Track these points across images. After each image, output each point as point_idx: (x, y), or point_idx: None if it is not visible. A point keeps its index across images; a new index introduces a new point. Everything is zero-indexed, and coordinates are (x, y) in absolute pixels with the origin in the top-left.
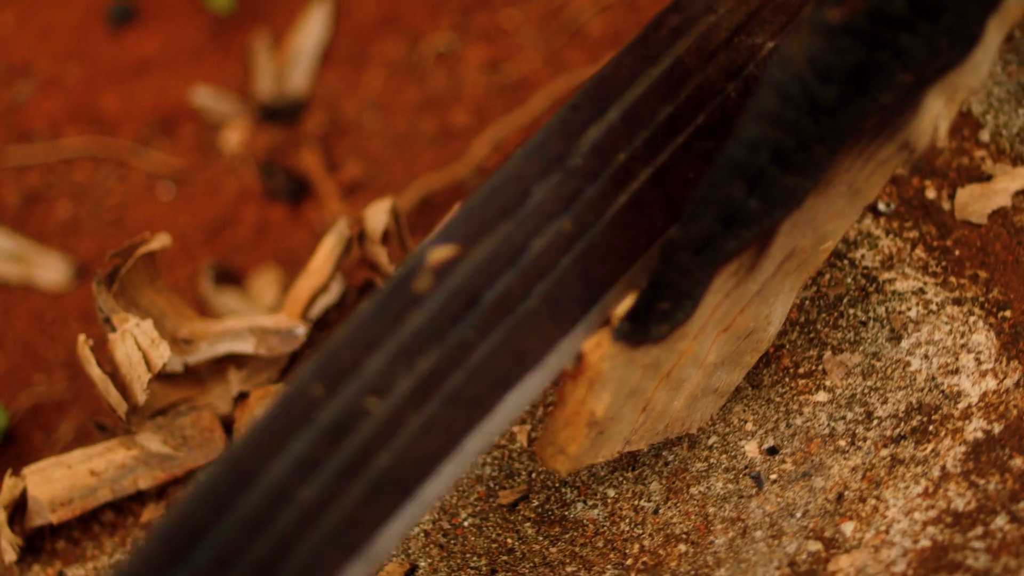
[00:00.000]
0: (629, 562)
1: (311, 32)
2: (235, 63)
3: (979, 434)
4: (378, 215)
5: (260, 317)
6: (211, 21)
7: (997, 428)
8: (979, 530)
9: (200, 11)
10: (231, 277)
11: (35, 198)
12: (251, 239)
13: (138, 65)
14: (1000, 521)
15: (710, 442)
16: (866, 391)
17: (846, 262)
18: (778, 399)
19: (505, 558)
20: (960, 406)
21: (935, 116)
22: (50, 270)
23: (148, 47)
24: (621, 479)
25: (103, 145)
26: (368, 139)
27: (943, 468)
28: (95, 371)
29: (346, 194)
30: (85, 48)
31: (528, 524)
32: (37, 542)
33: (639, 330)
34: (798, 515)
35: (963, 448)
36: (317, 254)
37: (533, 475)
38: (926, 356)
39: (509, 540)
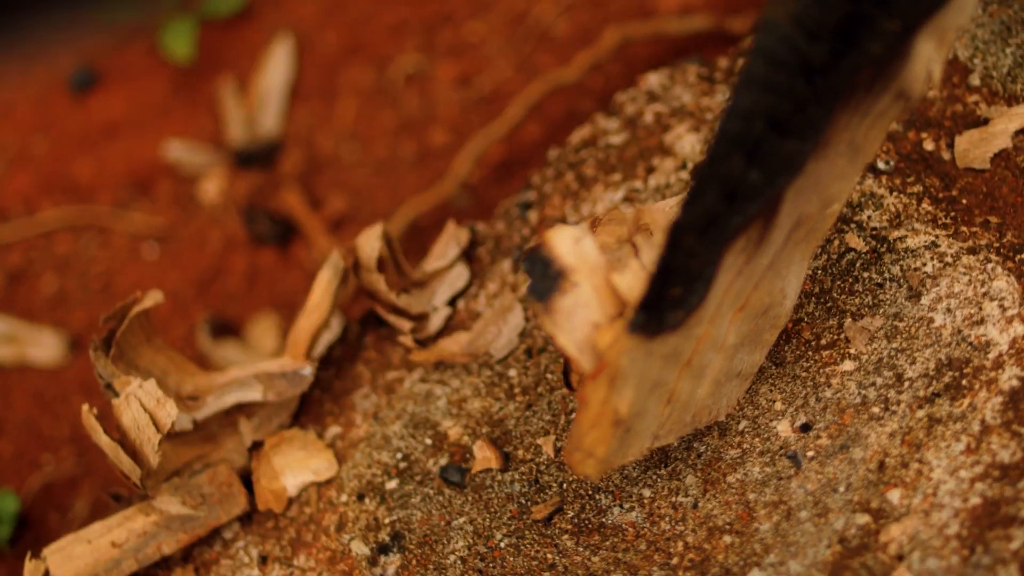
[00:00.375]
0: (675, 561)
1: (276, 72)
2: (203, 113)
3: (1014, 382)
4: (370, 242)
5: (264, 363)
6: (174, 74)
7: None
8: None
9: (162, 66)
10: (228, 328)
11: (19, 276)
12: (243, 287)
13: (106, 128)
14: None
15: (741, 427)
16: (892, 354)
17: (853, 225)
18: (804, 374)
19: (547, 574)
20: (991, 356)
21: (927, 60)
22: (44, 347)
23: (114, 109)
24: (655, 477)
25: (81, 214)
26: (348, 171)
27: (982, 421)
28: (103, 440)
29: (333, 229)
30: (50, 118)
31: (566, 536)
32: None
33: (654, 319)
34: (841, 489)
35: (1000, 399)
36: (314, 290)
37: (564, 486)
38: (948, 310)
39: (549, 555)
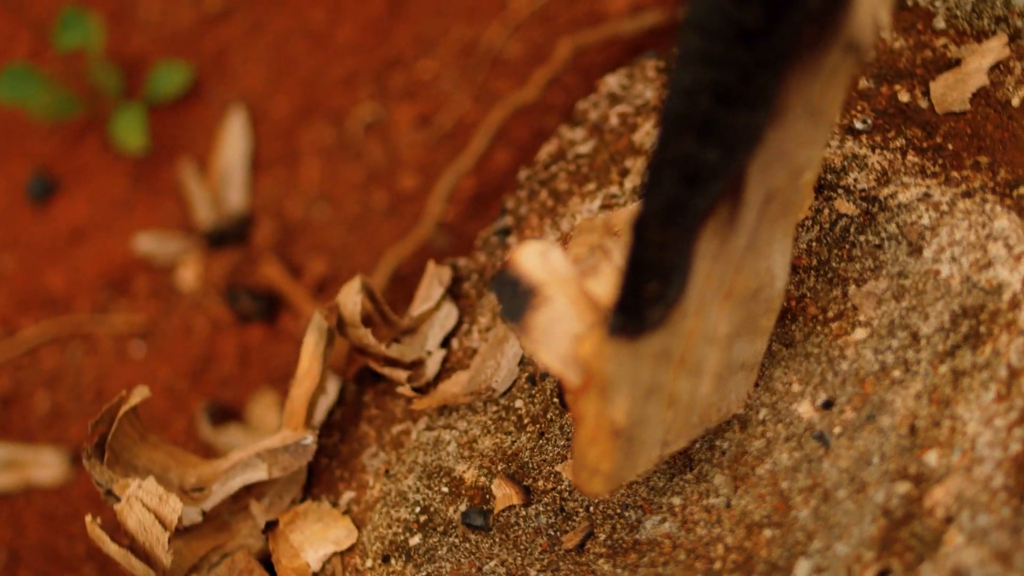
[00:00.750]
0: (717, 565)
1: (233, 146)
2: (168, 200)
3: None
4: (351, 297)
5: (264, 440)
6: (131, 166)
7: None
8: None
9: (118, 161)
10: (228, 413)
11: (11, 398)
12: (237, 369)
13: (72, 234)
14: None
15: (761, 416)
16: (904, 313)
17: (841, 191)
18: (816, 350)
19: None
20: (1005, 297)
21: (871, 6)
22: (46, 466)
23: (77, 212)
24: (682, 483)
25: (62, 325)
26: (323, 232)
27: (1009, 366)
28: (112, 549)
29: (317, 294)
30: (14, 233)
31: (602, 560)
32: None
33: (633, 320)
34: (875, 461)
35: (1022, 339)
36: (302, 357)
37: (591, 509)
38: (953, 259)
39: None
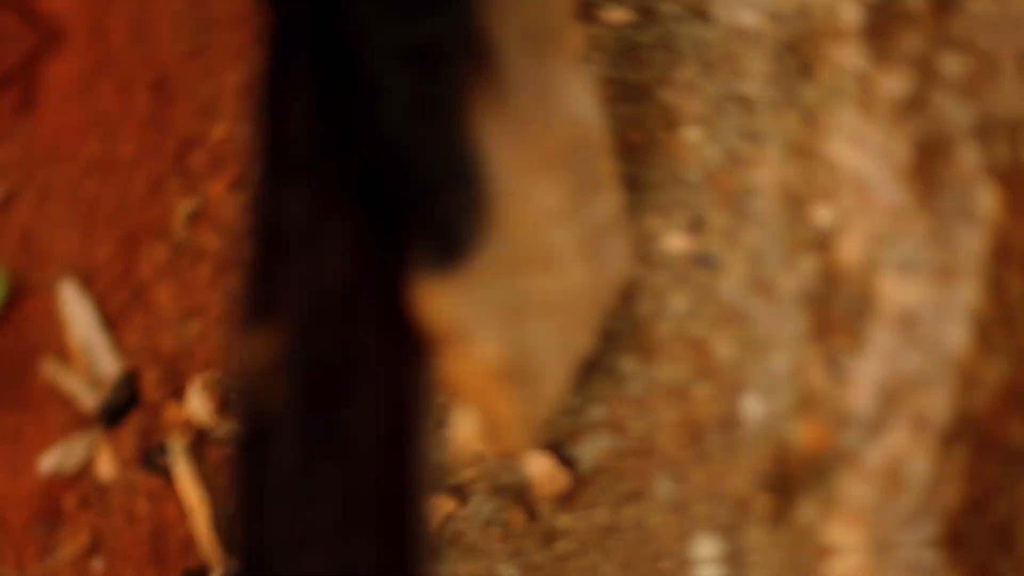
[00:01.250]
0: (673, 452)
1: (78, 319)
2: (50, 408)
3: (856, 15)
4: (196, 400)
5: None
6: None
7: None
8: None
9: None
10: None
11: None
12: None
13: None
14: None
15: (636, 274)
16: (723, 86)
17: (605, 2)
18: (658, 175)
19: (574, 565)
20: (817, 8)
21: None
22: None
23: None
24: (594, 390)
25: None
26: (205, 346)
27: (854, 74)
28: None
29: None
30: None
31: (562, 515)
32: None
33: (446, 242)
34: (770, 250)
35: (855, 41)
36: (182, 491)
37: (526, 471)
38: (749, 2)
39: (560, 547)
